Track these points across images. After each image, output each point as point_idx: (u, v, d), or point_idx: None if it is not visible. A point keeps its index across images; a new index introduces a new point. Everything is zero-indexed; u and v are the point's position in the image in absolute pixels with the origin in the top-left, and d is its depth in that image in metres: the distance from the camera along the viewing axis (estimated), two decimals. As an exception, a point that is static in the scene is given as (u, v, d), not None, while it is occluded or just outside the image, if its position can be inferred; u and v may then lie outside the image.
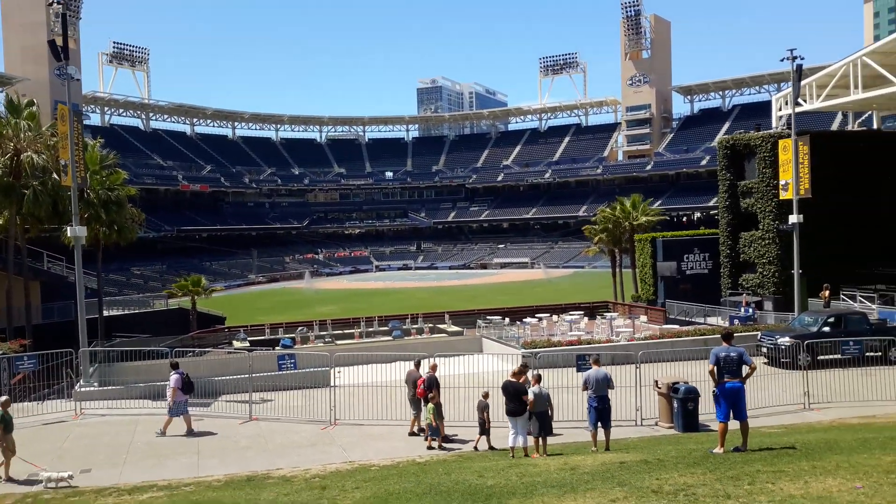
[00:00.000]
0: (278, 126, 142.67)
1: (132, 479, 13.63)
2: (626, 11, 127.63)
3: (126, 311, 39.72)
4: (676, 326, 30.94)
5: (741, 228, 36.34)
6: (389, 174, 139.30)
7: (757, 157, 35.00)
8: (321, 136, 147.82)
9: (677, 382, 16.68)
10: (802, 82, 35.02)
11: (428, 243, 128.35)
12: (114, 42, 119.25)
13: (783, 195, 27.78)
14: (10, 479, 13.79)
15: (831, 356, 21.43)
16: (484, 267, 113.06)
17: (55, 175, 27.89)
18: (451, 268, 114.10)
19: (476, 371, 21.53)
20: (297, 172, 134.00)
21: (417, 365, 16.97)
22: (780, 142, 28.05)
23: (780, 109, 37.42)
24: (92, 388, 20.86)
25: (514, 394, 13.17)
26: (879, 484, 7.52)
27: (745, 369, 12.13)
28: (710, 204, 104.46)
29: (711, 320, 33.79)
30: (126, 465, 14.96)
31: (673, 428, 16.50)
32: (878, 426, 13.84)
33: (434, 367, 16.10)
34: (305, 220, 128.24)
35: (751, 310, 32.04)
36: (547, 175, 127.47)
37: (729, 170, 36.81)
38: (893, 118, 64.49)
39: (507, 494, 8.37)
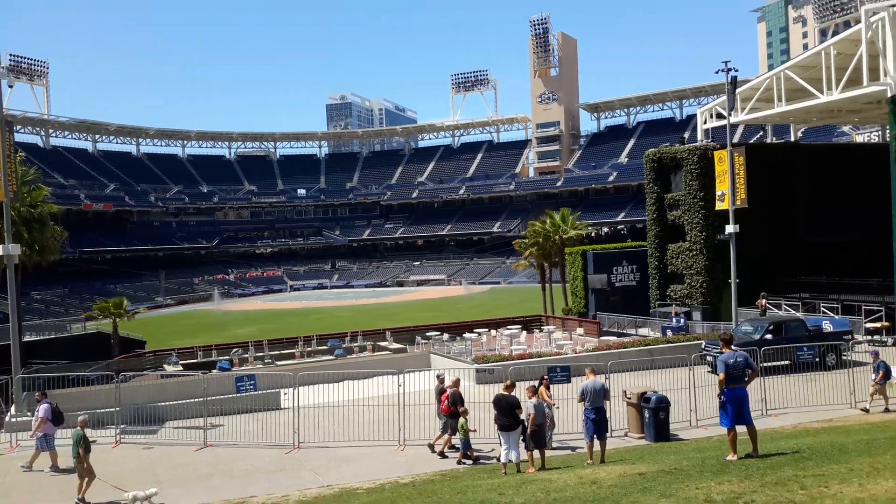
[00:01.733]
0: (185, 142, 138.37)
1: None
2: (535, 29, 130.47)
3: (41, 337, 37.31)
4: (614, 338, 31.40)
5: (669, 240, 37.29)
6: (302, 191, 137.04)
7: (684, 169, 36.04)
8: (230, 153, 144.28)
9: (647, 392, 16.81)
10: (723, 97, 36.40)
11: (343, 262, 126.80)
12: (10, 55, 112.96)
13: (719, 206, 28.66)
14: (82, 501, 13.40)
15: (773, 363, 22.02)
16: (401, 284, 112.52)
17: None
18: (367, 286, 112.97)
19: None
20: (205, 190, 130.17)
21: (441, 380, 16.60)
22: (716, 153, 28.98)
23: (705, 122, 38.67)
24: (26, 419, 19.35)
25: (507, 408, 12.90)
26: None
27: (747, 373, 12.13)
28: (619, 219, 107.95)
29: (643, 331, 34.45)
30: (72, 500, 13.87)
31: (643, 438, 16.58)
32: (856, 429, 14.31)
33: (456, 382, 15.89)
34: (215, 240, 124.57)
35: (682, 320, 32.89)
36: (461, 191, 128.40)
37: (656, 182, 37.81)
38: (812, 131, 68.00)
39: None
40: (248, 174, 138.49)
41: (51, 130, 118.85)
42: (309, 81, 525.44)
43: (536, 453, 13.08)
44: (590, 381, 13.44)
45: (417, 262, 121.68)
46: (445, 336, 33.44)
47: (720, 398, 12.25)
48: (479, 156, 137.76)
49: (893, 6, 27.72)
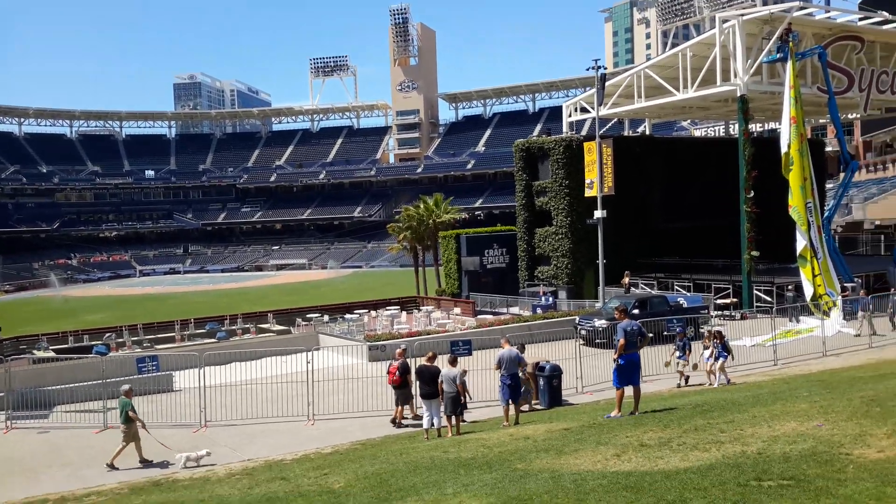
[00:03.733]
0: (22, 120, 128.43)
1: (17, 496, 12.35)
2: (395, 18, 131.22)
3: None
4: (490, 316, 33.05)
5: (536, 225, 39.31)
6: (151, 173, 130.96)
7: (550, 159, 38.07)
8: (72, 132, 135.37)
9: (540, 362, 18.20)
10: (589, 93, 38.83)
11: (196, 246, 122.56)
12: None
13: (588, 193, 30.78)
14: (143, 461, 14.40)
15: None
16: (259, 269, 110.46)
17: None
18: (223, 271, 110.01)
19: (338, 365, 21.64)
20: (45, 171, 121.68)
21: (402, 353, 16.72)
22: (586, 144, 31.06)
23: (570, 115, 41.03)
24: None
25: (429, 378, 13.75)
26: (835, 422, 9.12)
27: (639, 340, 13.71)
28: (477, 205, 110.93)
29: (514, 309, 36.26)
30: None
31: (539, 404, 17.96)
32: (731, 389, 16.24)
33: (403, 353, 16.50)
34: (56, 223, 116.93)
35: (550, 299, 34.98)
36: (321, 176, 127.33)
37: (525, 171, 39.72)
38: (663, 126, 72.93)
39: (502, 461, 9.02)
40: (92, 154, 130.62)
41: None
42: (154, 58, 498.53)
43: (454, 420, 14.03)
44: (505, 351, 14.52)
45: (276, 247, 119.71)
46: (326, 317, 33.78)
47: (616, 361, 13.81)
48: (339, 141, 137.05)
49: (742, 15, 30.81)
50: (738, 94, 30.72)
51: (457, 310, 35.67)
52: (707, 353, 19.35)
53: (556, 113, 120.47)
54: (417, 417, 15.78)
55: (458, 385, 13.77)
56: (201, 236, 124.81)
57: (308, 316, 33.80)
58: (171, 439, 16.38)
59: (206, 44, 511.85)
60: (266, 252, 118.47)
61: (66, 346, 28.65)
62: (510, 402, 14.24)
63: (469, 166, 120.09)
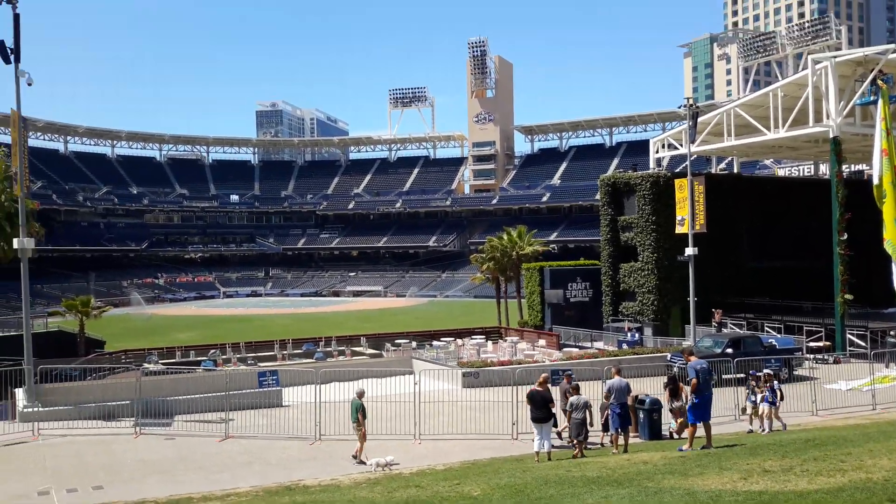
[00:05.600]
0: (115, 142, 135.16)
1: (161, 495, 13.55)
2: (473, 51, 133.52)
3: (6, 333, 36.74)
4: (575, 349, 33.55)
5: (621, 260, 39.69)
6: (235, 197, 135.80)
7: (637, 194, 38.54)
8: (161, 155, 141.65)
9: (639, 395, 18.71)
10: (677, 129, 39.24)
11: (277, 270, 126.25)
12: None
13: (679, 230, 31.10)
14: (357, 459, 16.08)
15: (732, 375, 24.29)
16: (336, 294, 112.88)
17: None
18: (302, 295, 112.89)
19: (434, 389, 22.58)
20: (135, 192, 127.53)
21: (569, 378, 17.37)
22: (677, 181, 31.46)
23: (658, 151, 41.47)
24: (38, 409, 19.85)
25: (541, 402, 14.51)
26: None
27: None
28: (552, 238, 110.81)
29: (598, 344, 36.57)
30: (136, 482, 14.76)
31: (637, 437, 18.43)
32: (832, 429, 16.50)
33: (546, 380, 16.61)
34: (144, 243, 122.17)
35: (636, 335, 35.22)
36: (398, 205, 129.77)
37: (610, 205, 40.22)
38: (747, 164, 72.42)
39: (630, 480, 9.71)
40: (179, 177, 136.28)
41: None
42: (239, 87, 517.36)
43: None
44: (616, 380, 15.21)
45: (353, 273, 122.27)
46: (413, 343, 34.88)
47: (691, 400, 14.50)
48: (416, 170, 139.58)
49: (835, 57, 30.94)
50: (831, 136, 30.75)
51: (541, 342, 36.32)
52: (757, 397, 18.66)
53: (634, 147, 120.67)
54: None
55: (587, 411, 14.55)
56: (281, 260, 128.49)
57: (397, 341, 34.98)
58: (289, 450, 17.58)
59: (288, 73, 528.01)
60: (343, 278, 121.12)
61: (173, 360, 30.40)
62: (619, 430, 14.86)
63: (544, 199, 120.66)
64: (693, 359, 15.09)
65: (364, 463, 15.67)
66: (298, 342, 33.67)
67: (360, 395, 16.62)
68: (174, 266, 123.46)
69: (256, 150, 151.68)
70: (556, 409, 15.33)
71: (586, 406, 14.63)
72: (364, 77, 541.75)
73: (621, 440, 14.94)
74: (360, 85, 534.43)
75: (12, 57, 19.94)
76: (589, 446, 15.58)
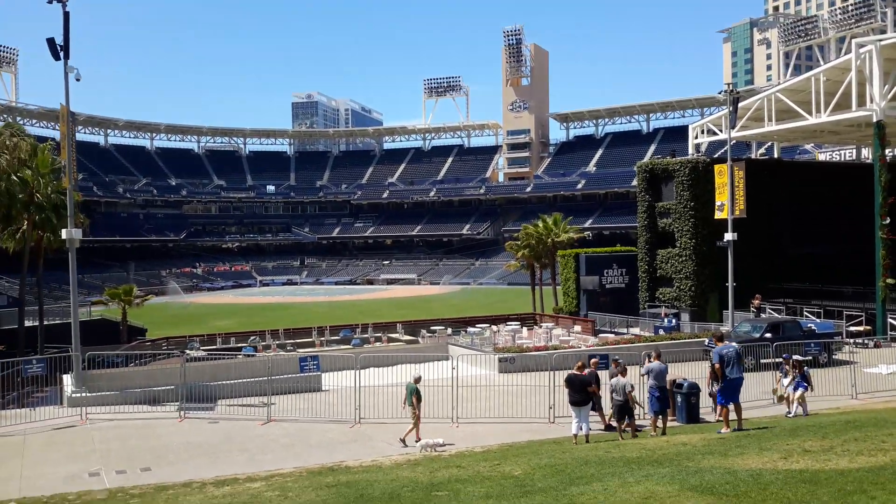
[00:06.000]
0: (154, 135, 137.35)
1: (207, 476, 13.88)
2: (508, 40, 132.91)
3: (48, 322, 37.76)
4: (611, 335, 33.49)
5: (658, 246, 39.42)
6: (271, 188, 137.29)
7: (675, 180, 38.21)
8: (199, 147, 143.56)
9: (677, 379, 18.68)
10: (716, 114, 38.78)
11: (312, 259, 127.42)
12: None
13: (718, 215, 30.86)
14: (403, 442, 16.23)
15: (771, 359, 24.10)
16: (370, 283, 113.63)
17: (13, 177, 26.75)
18: (337, 283, 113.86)
19: (470, 374, 22.73)
20: (173, 183, 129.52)
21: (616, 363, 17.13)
22: (717, 166, 31.19)
23: (697, 137, 41.05)
24: (85, 395, 20.41)
25: (579, 386, 14.59)
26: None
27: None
28: (586, 225, 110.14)
29: (634, 330, 36.49)
30: (183, 464, 15.16)
31: (674, 420, 18.41)
32: (872, 411, 16.33)
33: (595, 364, 16.66)
34: (183, 233, 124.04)
35: (673, 320, 35.02)
36: (432, 193, 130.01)
37: (647, 192, 39.91)
38: (787, 149, 71.39)
39: (669, 460, 9.78)
40: (217, 169, 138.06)
41: (18, 118, 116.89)
42: (274, 78, 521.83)
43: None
44: (655, 364, 15.25)
45: (387, 262, 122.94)
46: (449, 330, 35.09)
47: (719, 383, 14.60)
48: (450, 159, 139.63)
49: (880, 40, 30.31)
50: (875, 120, 30.18)
51: (577, 328, 36.29)
52: (787, 380, 18.72)
53: (671, 133, 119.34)
54: (610, 427, 16.25)
55: (628, 394, 14.62)
56: (316, 249, 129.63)
57: (432, 328, 35.21)
58: (330, 433, 17.89)
59: (323, 64, 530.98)
60: (377, 266, 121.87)
61: (214, 347, 30.98)
62: (657, 413, 14.90)
63: (579, 186, 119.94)
64: (721, 343, 15.10)
65: (406, 444, 15.88)
66: (336, 329, 34.09)
67: (417, 380, 16.85)
68: (212, 255, 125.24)
69: (292, 141, 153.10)
70: (604, 394, 15.43)
71: (626, 388, 14.68)
72: (398, 67, 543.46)
73: (660, 423, 14.96)
74: (394, 75, 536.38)
75: (62, 54, 20.47)
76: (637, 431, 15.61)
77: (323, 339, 32.24)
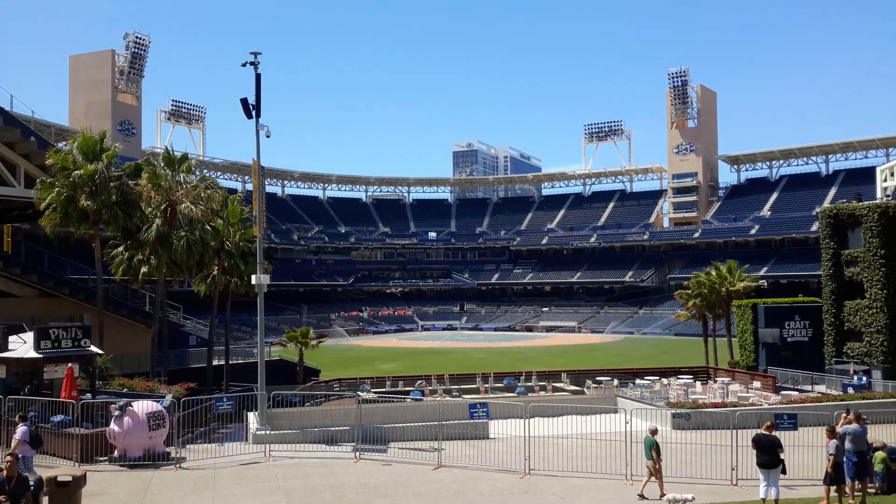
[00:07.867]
0: (325, 185, 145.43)
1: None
2: (674, 82, 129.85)
3: (233, 361, 40.47)
4: (795, 393, 31.21)
5: (845, 297, 36.61)
6: (433, 234, 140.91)
7: (863, 226, 35.55)
8: (366, 196, 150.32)
9: (874, 443, 17.00)
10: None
11: (471, 304, 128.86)
12: (172, 100, 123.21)
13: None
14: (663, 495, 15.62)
15: None
16: (529, 329, 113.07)
17: (206, 226, 29.13)
18: (496, 329, 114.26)
19: (641, 429, 21.82)
20: (343, 231, 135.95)
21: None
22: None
23: (886, 180, 38.06)
24: (268, 432, 21.45)
25: (768, 447, 13.63)
26: None
27: None
28: (761, 273, 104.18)
29: (819, 388, 33.81)
30: (359, 506, 15.50)
31: (872, 487, 16.74)
32: None
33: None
34: (351, 278, 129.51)
35: (864, 378, 32.17)
36: (592, 239, 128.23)
37: (832, 238, 37.31)
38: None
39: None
40: (382, 216, 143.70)
41: (205, 171, 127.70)
42: (436, 128, 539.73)
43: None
44: (853, 426, 13.99)
45: (546, 308, 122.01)
46: (615, 381, 34.04)
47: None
48: (611, 205, 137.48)
49: None
50: None
51: (756, 383, 34.07)
52: None
53: (853, 176, 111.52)
54: None
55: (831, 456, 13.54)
56: (476, 295, 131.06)
57: (598, 378, 34.31)
58: (500, 482, 17.71)
59: (483, 112, 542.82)
60: (536, 313, 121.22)
61: (383, 389, 31.77)
62: (854, 479, 13.66)
63: (753, 231, 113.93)
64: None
65: (644, 497, 15.75)
66: (500, 376, 34.00)
67: (654, 432, 16.48)
68: (377, 300, 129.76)
69: (453, 188, 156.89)
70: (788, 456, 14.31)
71: (831, 450, 13.50)
72: (556, 113, 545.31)
73: (858, 489, 13.65)
74: (552, 121, 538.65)
75: (254, 112, 22.13)
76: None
77: (487, 385, 32.24)
